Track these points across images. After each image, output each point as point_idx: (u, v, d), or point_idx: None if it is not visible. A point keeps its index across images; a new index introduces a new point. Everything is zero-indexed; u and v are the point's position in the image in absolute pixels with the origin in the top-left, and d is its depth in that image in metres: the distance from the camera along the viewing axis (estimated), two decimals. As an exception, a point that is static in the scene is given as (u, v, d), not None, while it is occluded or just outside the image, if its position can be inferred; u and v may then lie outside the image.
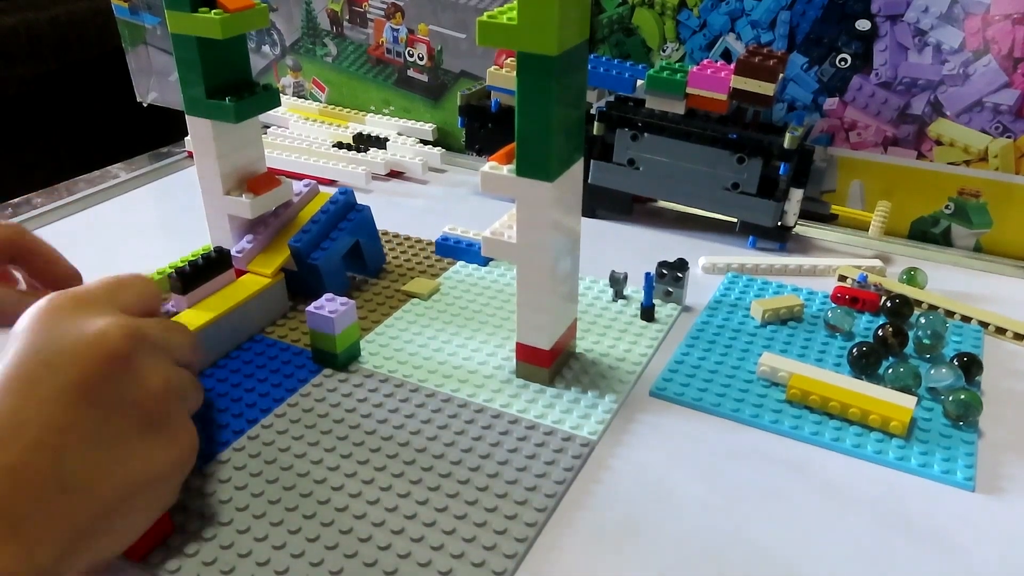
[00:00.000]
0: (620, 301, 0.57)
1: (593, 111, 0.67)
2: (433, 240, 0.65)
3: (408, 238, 0.66)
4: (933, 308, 0.55)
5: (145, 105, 1.04)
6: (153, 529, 0.37)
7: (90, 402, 0.32)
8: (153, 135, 0.96)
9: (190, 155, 0.84)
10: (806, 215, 0.67)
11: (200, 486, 0.40)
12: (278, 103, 0.54)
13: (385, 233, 0.66)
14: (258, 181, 0.54)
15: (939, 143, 0.65)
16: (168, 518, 0.38)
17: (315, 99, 0.92)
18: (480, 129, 0.74)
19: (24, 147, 1.22)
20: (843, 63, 0.65)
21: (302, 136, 0.84)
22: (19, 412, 0.30)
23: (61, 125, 1.26)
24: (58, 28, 1.22)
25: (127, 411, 0.33)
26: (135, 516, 0.34)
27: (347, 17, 0.85)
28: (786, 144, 0.61)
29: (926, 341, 0.50)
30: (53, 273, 0.44)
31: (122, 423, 0.33)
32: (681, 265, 0.56)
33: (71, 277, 0.44)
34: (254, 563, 0.36)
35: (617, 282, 0.57)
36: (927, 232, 0.68)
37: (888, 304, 0.54)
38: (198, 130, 0.52)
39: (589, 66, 0.66)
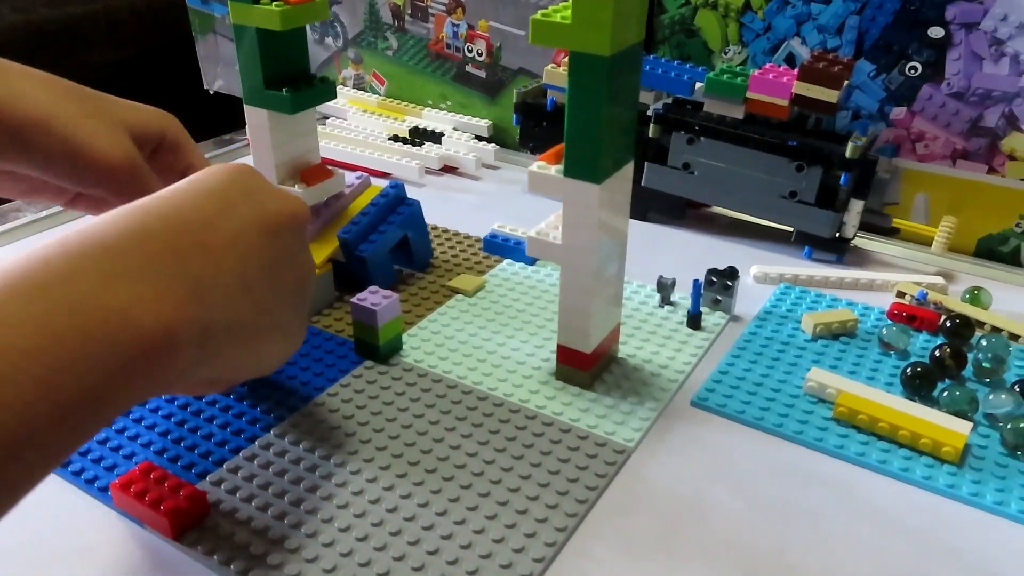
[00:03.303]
0: (666, 307, 0.56)
1: (649, 113, 0.66)
2: (481, 237, 0.65)
3: (456, 234, 0.66)
4: (996, 330, 0.53)
5: (211, 92, 1.06)
6: (190, 509, 0.37)
7: (272, 240, 0.36)
8: (218, 121, 0.98)
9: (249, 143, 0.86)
10: (866, 227, 0.66)
11: (238, 469, 0.41)
12: (333, 96, 0.54)
13: (434, 228, 0.67)
14: (311, 172, 0.55)
15: (1012, 158, 0.62)
16: (205, 499, 0.38)
17: (374, 92, 0.93)
18: (535, 127, 0.74)
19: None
20: (913, 71, 0.63)
21: (359, 128, 0.85)
22: (220, 216, 0.34)
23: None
24: (136, 15, 1.26)
25: (288, 275, 0.37)
26: (262, 354, 0.37)
27: (409, 11, 0.86)
28: (848, 153, 0.59)
29: (986, 364, 0.48)
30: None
31: (283, 280, 0.37)
32: (731, 273, 0.55)
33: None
34: (286, 550, 0.37)
35: (664, 287, 0.56)
36: (995, 250, 0.66)
37: (948, 324, 0.52)
38: (255, 119, 0.53)
39: (647, 67, 0.66)
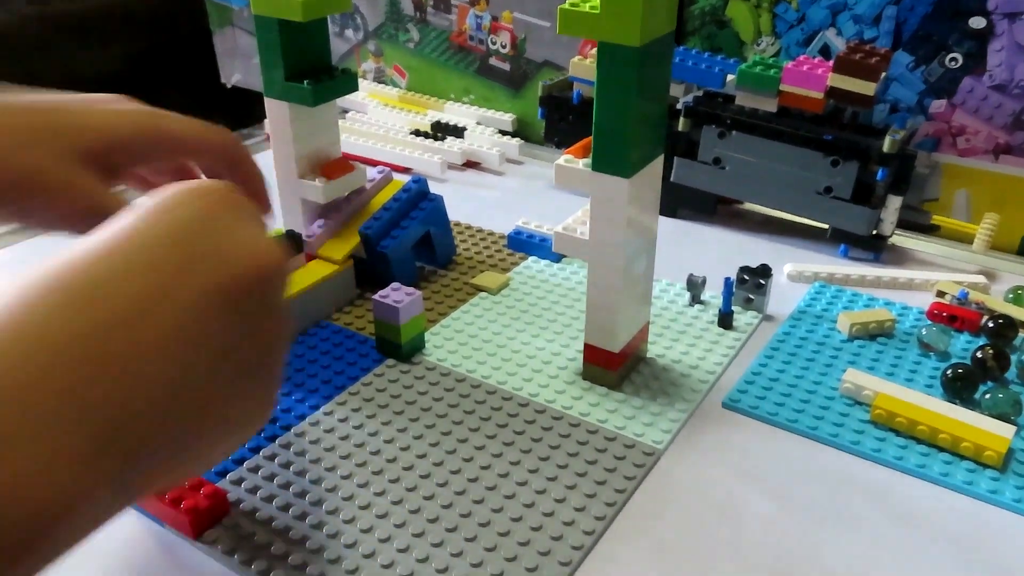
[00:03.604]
0: (697, 306, 0.56)
1: (679, 106, 0.66)
2: (505, 233, 0.65)
3: (480, 230, 0.67)
4: (1041, 331, 0.53)
5: (229, 86, 1.07)
6: (210, 508, 0.38)
7: (233, 315, 0.27)
8: (235, 116, 0.99)
9: (268, 138, 0.87)
10: (904, 225, 0.65)
11: (259, 468, 0.42)
12: (355, 88, 0.55)
13: (457, 224, 0.67)
14: (332, 166, 0.56)
15: (1058, 152, 0.62)
16: (225, 498, 0.39)
17: (395, 85, 0.93)
18: (560, 121, 0.74)
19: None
20: (953, 63, 0.63)
21: (380, 122, 0.86)
22: (162, 297, 0.25)
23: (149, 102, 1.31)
24: (151, 8, 1.27)
25: (253, 350, 0.28)
26: (214, 451, 0.29)
27: (431, 3, 0.87)
28: (885, 148, 0.59)
29: (1030, 367, 0.48)
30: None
31: (246, 359, 0.28)
32: (764, 271, 0.55)
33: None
34: (307, 551, 0.37)
35: (695, 286, 0.56)
36: (1039, 249, 0.65)
37: (990, 324, 0.52)
38: (276, 113, 0.53)
39: (677, 59, 0.65)
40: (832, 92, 0.60)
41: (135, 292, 0.25)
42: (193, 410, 0.26)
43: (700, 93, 0.67)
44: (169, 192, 0.28)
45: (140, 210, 0.27)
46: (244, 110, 1.02)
